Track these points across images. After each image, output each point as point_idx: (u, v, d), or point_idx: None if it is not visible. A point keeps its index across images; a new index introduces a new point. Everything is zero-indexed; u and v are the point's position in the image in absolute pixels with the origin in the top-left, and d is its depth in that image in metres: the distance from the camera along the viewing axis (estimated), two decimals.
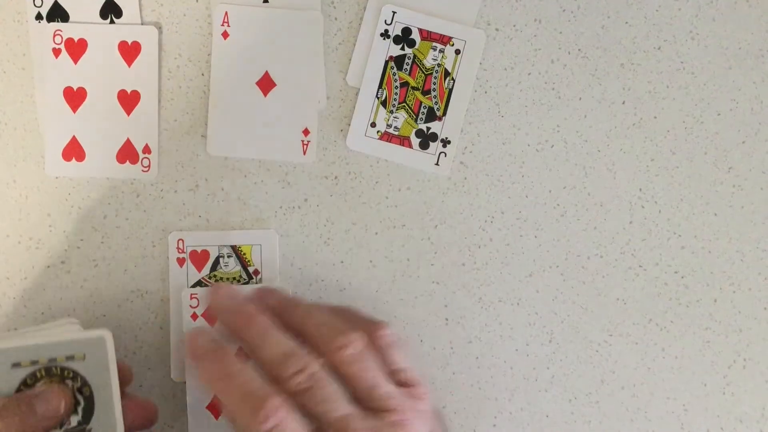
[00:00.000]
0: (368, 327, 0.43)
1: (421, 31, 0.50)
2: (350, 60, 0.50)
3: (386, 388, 0.41)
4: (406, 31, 0.50)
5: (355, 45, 0.50)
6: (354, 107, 0.50)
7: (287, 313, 0.43)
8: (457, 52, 0.50)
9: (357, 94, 0.50)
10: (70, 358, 0.42)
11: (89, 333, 0.42)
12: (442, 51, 0.50)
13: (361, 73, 0.50)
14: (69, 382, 0.42)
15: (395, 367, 0.42)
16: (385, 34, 0.50)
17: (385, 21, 0.50)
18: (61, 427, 0.41)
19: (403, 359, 0.43)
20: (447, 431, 0.46)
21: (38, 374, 0.41)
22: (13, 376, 0.41)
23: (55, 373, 0.42)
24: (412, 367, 0.43)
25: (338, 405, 0.39)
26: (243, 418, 0.39)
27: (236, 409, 0.39)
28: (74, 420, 0.41)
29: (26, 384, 0.41)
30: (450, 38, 0.50)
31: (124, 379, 0.45)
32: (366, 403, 0.40)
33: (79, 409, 0.41)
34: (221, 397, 0.40)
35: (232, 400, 0.39)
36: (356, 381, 0.40)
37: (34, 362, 0.41)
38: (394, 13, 0.50)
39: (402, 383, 0.42)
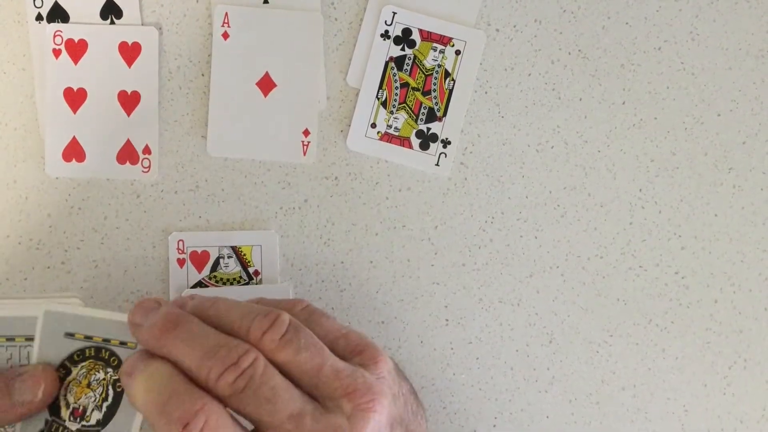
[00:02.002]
0: (286, 305, 0.38)
1: (421, 31, 0.50)
2: (350, 61, 0.50)
3: (333, 364, 0.35)
4: (407, 31, 0.50)
5: (355, 46, 0.50)
6: (354, 108, 0.50)
7: (205, 313, 0.38)
8: (458, 52, 0.50)
9: (357, 94, 0.50)
10: (123, 344, 0.38)
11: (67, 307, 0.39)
12: (442, 51, 0.50)
13: (361, 73, 0.50)
14: (110, 371, 0.39)
15: (335, 334, 0.37)
16: (385, 35, 0.50)
17: (386, 21, 0.50)
18: (78, 421, 0.38)
19: (340, 324, 0.38)
20: (411, 386, 0.41)
21: (88, 352, 0.39)
22: (63, 346, 0.38)
23: (103, 356, 0.39)
24: (352, 329, 0.38)
25: (282, 405, 0.33)
26: (159, 429, 0.33)
27: (155, 421, 0.34)
28: (94, 417, 0.38)
29: (73, 360, 0.39)
30: (450, 39, 0.50)
31: None
32: (316, 390, 0.35)
33: (105, 406, 0.39)
34: (141, 411, 0.35)
35: (151, 411, 0.34)
36: (295, 366, 0.35)
37: (88, 337, 0.39)
38: (394, 13, 0.50)
39: (349, 351, 0.37)
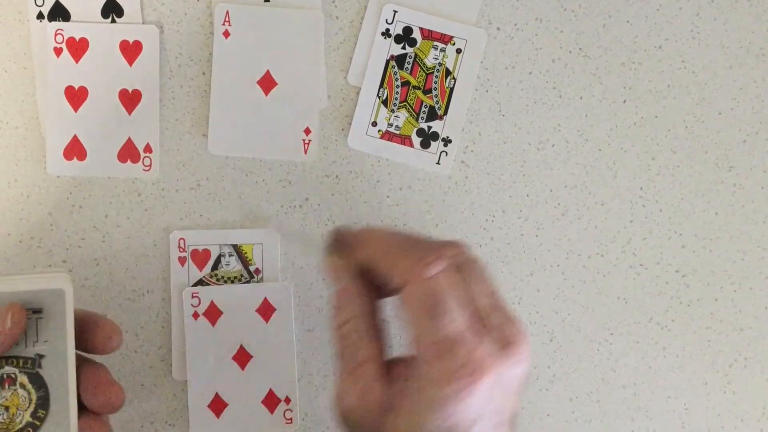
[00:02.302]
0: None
1: (422, 30, 0.50)
2: (351, 59, 0.50)
3: (502, 295, 0.40)
4: (407, 30, 0.50)
5: (356, 44, 0.50)
6: (355, 106, 0.50)
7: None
8: (459, 51, 0.50)
9: (358, 93, 0.50)
10: (37, 312, 0.38)
11: (46, 283, 0.38)
12: (443, 50, 0.50)
13: (362, 72, 0.50)
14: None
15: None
16: (386, 33, 0.50)
17: (386, 20, 0.50)
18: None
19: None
20: None
21: None
22: None
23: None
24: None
25: (486, 289, 0.38)
26: (403, 263, 0.38)
27: (397, 255, 0.38)
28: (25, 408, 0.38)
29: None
30: (451, 37, 0.50)
31: (116, 402, 0.41)
32: (488, 308, 0.38)
33: (32, 402, 0.38)
34: (382, 247, 0.40)
35: (396, 250, 0.39)
36: (476, 282, 0.39)
37: None
38: (395, 12, 0.50)
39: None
